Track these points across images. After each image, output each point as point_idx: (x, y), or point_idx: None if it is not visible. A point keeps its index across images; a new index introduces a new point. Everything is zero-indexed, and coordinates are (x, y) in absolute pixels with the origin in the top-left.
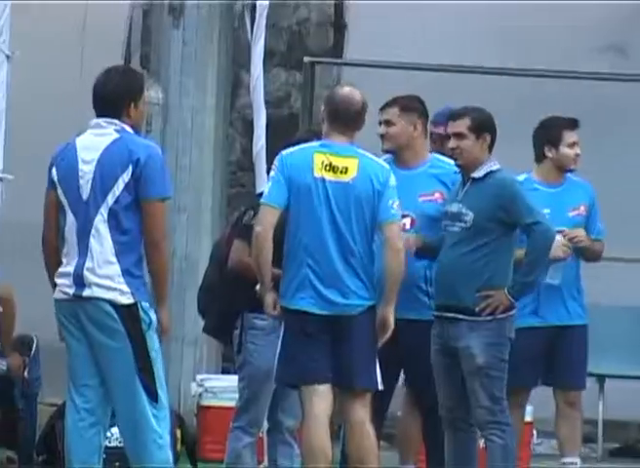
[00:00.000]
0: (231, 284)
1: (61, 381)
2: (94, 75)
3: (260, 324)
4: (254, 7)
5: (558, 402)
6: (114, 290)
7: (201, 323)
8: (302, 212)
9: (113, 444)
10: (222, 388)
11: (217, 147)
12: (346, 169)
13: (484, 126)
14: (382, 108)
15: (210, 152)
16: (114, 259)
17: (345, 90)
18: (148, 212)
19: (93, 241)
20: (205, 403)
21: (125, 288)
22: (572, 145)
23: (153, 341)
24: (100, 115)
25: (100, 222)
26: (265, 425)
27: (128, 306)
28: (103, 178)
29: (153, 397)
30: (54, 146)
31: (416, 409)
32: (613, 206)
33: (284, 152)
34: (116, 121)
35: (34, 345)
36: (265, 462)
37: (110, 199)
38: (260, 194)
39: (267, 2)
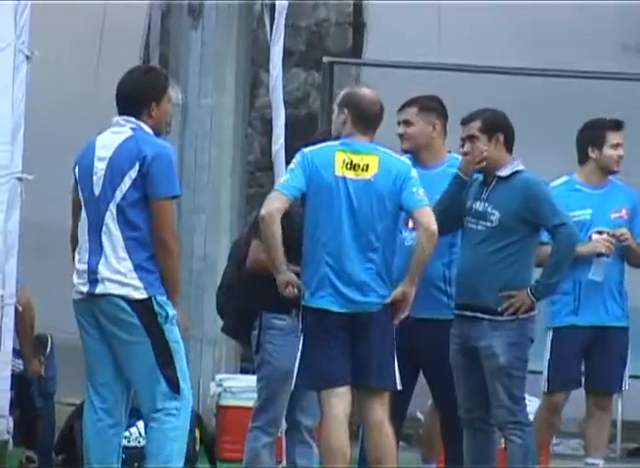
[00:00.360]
0: (249, 283)
1: (79, 381)
2: (111, 76)
3: (279, 324)
4: (273, 7)
5: (589, 403)
6: (127, 285)
7: (220, 323)
8: (322, 210)
9: (132, 444)
10: (241, 388)
11: (235, 147)
12: (367, 166)
13: (495, 126)
14: (401, 108)
15: (229, 152)
16: (125, 255)
17: (366, 91)
18: (155, 209)
19: (104, 237)
20: (224, 402)
21: (138, 283)
22: (615, 147)
23: (173, 333)
24: (121, 114)
25: (110, 219)
26: (284, 425)
27: (142, 301)
28: (113, 175)
29: (175, 389)
30: (72, 146)
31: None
32: None
33: (306, 149)
34: (133, 119)
35: (49, 344)
36: (284, 462)
37: (118, 195)
38: None
39: (287, 2)
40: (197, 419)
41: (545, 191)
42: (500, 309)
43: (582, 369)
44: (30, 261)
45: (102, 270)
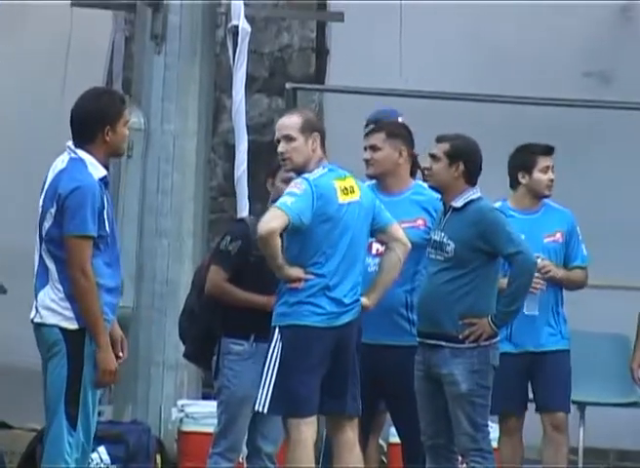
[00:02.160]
0: (209, 309)
1: (39, 406)
2: (76, 98)
3: (237, 349)
4: (236, 32)
5: (544, 425)
6: (59, 314)
7: (182, 348)
8: (325, 238)
9: None
10: (203, 414)
11: (198, 172)
12: (352, 188)
13: (460, 154)
14: (368, 134)
15: (191, 177)
16: (60, 286)
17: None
18: (66, 246)
19: (41, 268)
20: (185, 428)
21: (69, 313)
22: (545, 170)
23: (90, 374)
24: (74, 138)
25: (43, 250)
26: (245, 451)
27: (73, 331)
28: (43, 211)
29: (73, 426)
30: (36, 169)
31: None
32: (593, 232)
33: (311, 178)
34: (75, 148)
35: None
36: None
37: (44, 230)
38: (241, 219)
39: (249, 28)
40: (158, 445)
41: (499, 220)
42: (460, 336)
43: (526, 394)
44: None
45: (41, 298)
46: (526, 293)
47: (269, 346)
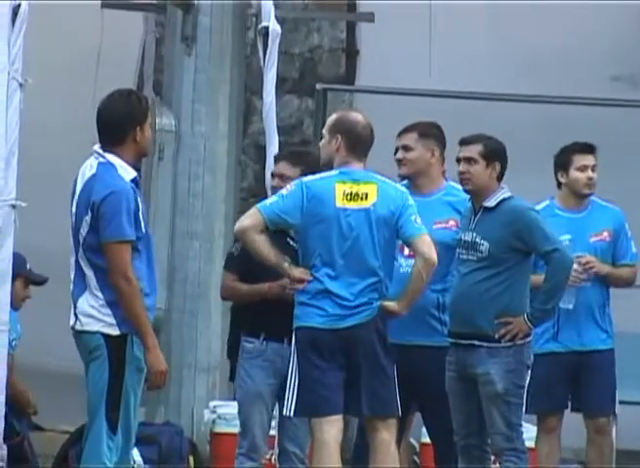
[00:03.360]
0: (233, 310)
1: (73, 409)
2: None
3: (248, 347)
4: (266, 34)
5: (588, 428)
6: (100, 321)
7: (213, 349)
8: (321, 240)
9: None
10: (235, 415)
11: (229, 174)
12: (366, 195)
13: (496, 154)
14: (401, 133)
15: (222, 179)
16: (99, 293)
17: (358, 116)
18: (105, 253)
19: (79, 274)
20: (217, 429)
21: (110, 319)
22: (583, 169)
23: (132, 379)
24: (101, 141)
25: (80, 258)
26: (277, 450)
27: (115, 337)
28: (77, 219)
29: (113, 430)
30: (66, 173)
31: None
32: (634, 229)
33: (305, 179)
34: (102, 153)
35: None
36: None
37: (81, 239)
38: None
39: (280, 29)
40: (191, 446)
41: (534, 218)
42: (497, 336)
43: (568, 394)
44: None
45: (80, 305)
46: (563, 292)
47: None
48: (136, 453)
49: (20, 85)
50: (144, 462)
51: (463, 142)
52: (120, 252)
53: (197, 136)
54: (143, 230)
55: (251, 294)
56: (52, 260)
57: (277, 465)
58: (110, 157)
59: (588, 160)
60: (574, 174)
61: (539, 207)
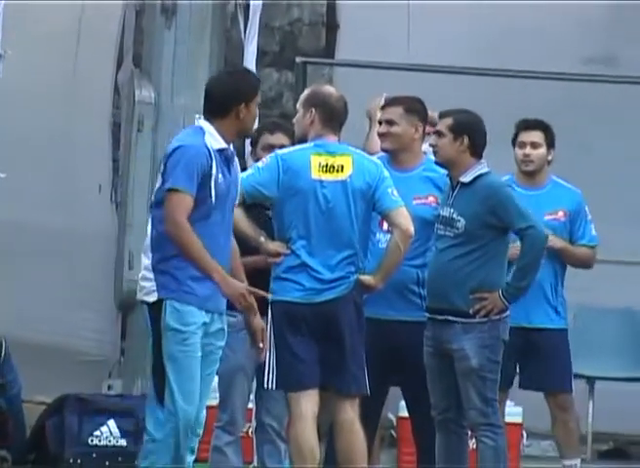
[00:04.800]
0: None
1: (48, 379)
2: (88, 75)
3: (231, 320)
4: (247, 7)
5: (550, 406)
6: (143, 288)
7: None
8: (298, 213)
9: (103, 443)
10: (212, 388)
11: None
12: (342, 167)
13: (464, 128)
14: (385, 107)
15: None
16: (149, 253)
17: (331, 89)
18: (164, 202)
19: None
20: None
21: (150, 285)
22: (521, 145)
23: (168, 346)
24: (204, 112)
25: (150, 218)
26: (254, 423)
27: (153, 304)
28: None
29: (159, 398)
30: (47, 145)
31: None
32: (601, 208)
33: (279, 152)
34: (204, 121)
35: (3, 349)
36: (255, 462)
37: (153, 196)
38: None
39: (261, 2)
40: None
41: (509, 194)
42: (471, 311)
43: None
44: None
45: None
46: (538, 269)
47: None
48: (112, 425)
49: (0, 56)
50: (121, 435)
51: (439, 116)
52: (173, 199)
53: (177, 108)
54: (213, 198)
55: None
56: (22, 232)
57: (254, 438)
58: (204, 123)
59: (528, 136)
60: (515, 151)
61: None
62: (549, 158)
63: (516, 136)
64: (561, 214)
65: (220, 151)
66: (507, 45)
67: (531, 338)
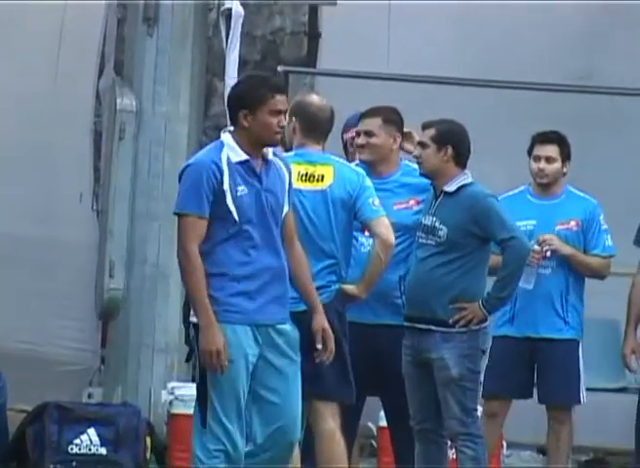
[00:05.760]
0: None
1: (29, 388)
2: (69, 82)
3: None
4: (229, 15)
5: (548, 416)
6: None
7: (171, 330)
8: None
9: (83, 451)
10: (193, 396)
11: (189, 155)
12: (322, 176)
13: (447, 138)
14: (362, 118)
15: (183, 160)
16: None
17: (314, 98)
18: None
19: None
20: (175, 411)
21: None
22: (536, 159)
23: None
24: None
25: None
26: None
27: (195, 324)
28: None
29: (202, 424)
30: (26, 154)
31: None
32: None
33: None
34: (225, 133)
35: None
36: None
37: None
38: None
39: (242, 11)
40: (148, 427)
41: (493, 205)
42: (451, 321)
43: (522, 380)
44: None
45: None
46: (518, 280)
47: None
48: (92, 433)
49: None
50: (101, 443)
51: (422, 127)
52: (181, 224)
53: (158, 116)
54: (234, 213)
55: None
56: (11, 244)
57: None
58: (225, 136)
59: (542, 150)
60: (530, 163)
61: (515, 190)
62: (565, 170)
63: (532, 147)
64: (573, 223)
65: (242, 163)
66: (489, 55)
67: (539, 349)
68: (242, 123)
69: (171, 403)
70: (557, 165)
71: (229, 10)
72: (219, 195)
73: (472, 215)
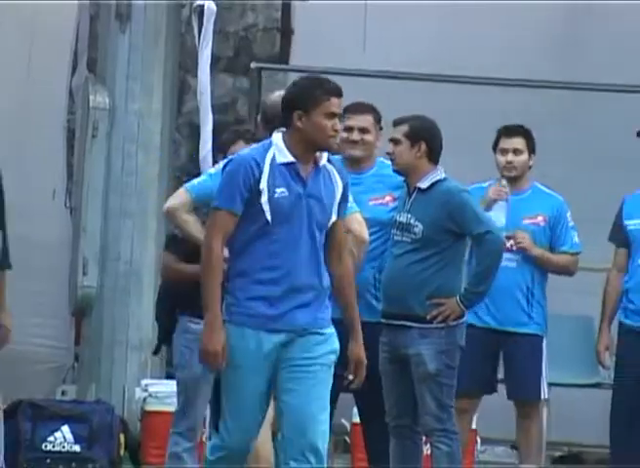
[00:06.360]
0: (165, 291)
1: (1, 385)
2: (42, 79)
3: (194, 327)
4: (201, 12)
5: (517, 412)
6: None
7: (145, 327)
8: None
9: (57, 448)
10: (166, 393)
11: (163, 152)
12: None
13: (420, 134)
14: (351, 113)
15: (156, 157)
16: None
17: (274, 94)
18: None
19: None
20: (149, 408)
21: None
22: (503, 152)
23: (225, 370)
24: None
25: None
26: (207, 430)
27: None
28: None
29: (214, 424)
30: (0, 146)
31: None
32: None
33: (232, 158)
34: (276, 134)
35: None
36: None
37: None
38: None
39: (215, 7)
40: (122, 424)
41: (467, 200)
42: (428, 317)
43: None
44: None
45: None
46: (495, 274)
47: None
48: (66, 431)
49: None
50: (75, 440)
51: (394, 123)
52: (210, 218)
53: (131, 113)
54: (267, 214)
55: (198, 275)
56: None
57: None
58: (275, 136)
59: (510, 143)
60: (496, 156)
61: (484, 184)
62: (530, 163)
63: (497, 142)
64: (540, 218)
65: (287, 165)
66: (464, 51)
67: (503, 342)
68: (296, 124)
69: (145, 400)
70: (524, 157)
71: (202, 6)
72: (254, 193)
73: (447, 211)
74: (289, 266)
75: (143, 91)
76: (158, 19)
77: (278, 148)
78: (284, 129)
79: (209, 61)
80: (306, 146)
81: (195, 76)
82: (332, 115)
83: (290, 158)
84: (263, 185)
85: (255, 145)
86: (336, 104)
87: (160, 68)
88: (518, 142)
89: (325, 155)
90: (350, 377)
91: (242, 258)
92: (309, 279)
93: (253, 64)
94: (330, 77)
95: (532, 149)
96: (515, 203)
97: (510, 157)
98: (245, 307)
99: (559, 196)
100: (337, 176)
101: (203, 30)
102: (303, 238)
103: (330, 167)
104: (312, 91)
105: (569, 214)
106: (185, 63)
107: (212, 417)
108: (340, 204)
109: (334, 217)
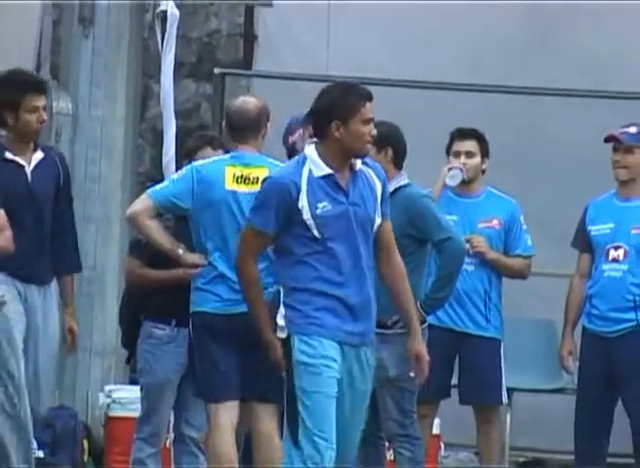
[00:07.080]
0: (129, 296)
1: None
2: None
3: (158, 333)
4: (164, 17)
5: (475, 416)
6: (280, 324)
7: (109, 333)
8: (212, 224)
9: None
10: (130, 399)
11: (126, 158)
12: (257, 179)
13: (386, 140)
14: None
15: (119, 163)
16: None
17: (238, 100)
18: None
19: None
20: (112, 413)
21: (281, 322)
22: (456, 155)
23: (302, 380)
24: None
25: None
26: (172, 435)
27: (282, 340)
28: None
29: (294, 441)
30: None
31: None
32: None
33: (196, 164)
34: (309, 147)
35: None
36: None
37: None
38: None
39: (178, 12)
40: (86, 430)
41: (428, 206)
42: (389, 322)
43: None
44: None
45: None
46: (455, 281)
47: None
48: None
49: None
50: (39, 446)
51: None
52: (242, 237)
53: (94, 119)
54: (315, 231)
55: (163, 280)
56: None
57: (172, 450)
58: (308, 150)
59: (462, 146)
60: (450, 159)
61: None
62: (484, 167)
63: (450, 145)
64: (495, 222)
65: (326, 178)
66: (428, 56)
67: (460, 345)
68: (334, 134)
69: (108, 405)
70: (477, 160)
71: (165, 12)
72: (294, 212)
73: (408, 217)
74: (347, 277)
75: (106, 96)
76: (121, 24)
77: (313, 162)
78: (316, 140)
79: (172, 67)
80: (344, 156)
81: (158, 82)
82: (369, 121)
83: (327, 170)
84: (303, 203)
85: (288, 162)
86: (370, 109)
87: (123, 74)
88: (471, 145)
89: (359, 159)
90: (412, 375)
91: (297, 274)
92: (367, 289)
93: (216, 70)
94: (293, 83)
95: (485, 153)
96: (470, 207)
97: (463, 159)
98: (314, 318)
99: (512, 199)
100: (374, 177)
101: (166, 36)
102: (355, 247)
103: (366, 168)
104: (346, 99)
105: (522, 218)
106: (149, 69)
107: (289, 431)
108: (381, 203)
109: (378, 219)
